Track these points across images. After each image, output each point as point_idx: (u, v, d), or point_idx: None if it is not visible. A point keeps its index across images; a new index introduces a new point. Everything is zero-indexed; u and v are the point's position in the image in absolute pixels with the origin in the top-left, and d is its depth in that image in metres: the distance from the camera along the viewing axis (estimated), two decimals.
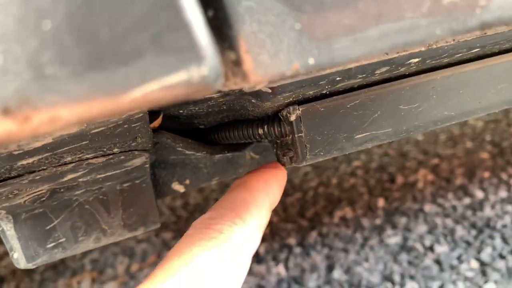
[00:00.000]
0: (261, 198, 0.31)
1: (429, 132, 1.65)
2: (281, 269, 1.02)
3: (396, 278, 0.97)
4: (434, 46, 0.19)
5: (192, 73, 0.14)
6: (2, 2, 0.13)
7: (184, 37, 0.13)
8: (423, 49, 0.21)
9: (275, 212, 1.26)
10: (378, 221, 1.18)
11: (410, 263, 1.01)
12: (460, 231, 1.10)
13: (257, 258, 1.07)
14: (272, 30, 0.17)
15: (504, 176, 1.30)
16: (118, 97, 0.14)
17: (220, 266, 0.25)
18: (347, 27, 0.17)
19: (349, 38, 0.17)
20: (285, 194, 1.35)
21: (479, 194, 1.24)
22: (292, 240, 1.13)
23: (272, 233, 1.16)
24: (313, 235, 1.14)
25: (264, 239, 1.14)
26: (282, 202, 1.30)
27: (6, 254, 1.20)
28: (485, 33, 0.18)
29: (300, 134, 0.33)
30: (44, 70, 0.12)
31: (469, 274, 0.96)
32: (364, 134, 0.34)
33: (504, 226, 1.09)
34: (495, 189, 1.25)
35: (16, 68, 0.13)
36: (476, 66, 0.35)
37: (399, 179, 1.37)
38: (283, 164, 0.36)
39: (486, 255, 1.01)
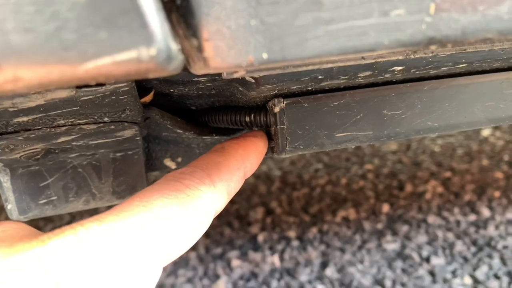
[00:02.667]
0: (236, 164, 0.32)
1: (446, 145, 1.64)
2: (276, 259, 1.04)
3: (388, 283, 0.98)
4: (385, 58, 0.20)
5: (142, 52, 0.16)
6: None
7: (136, 20, 0.15)
8: (372, 59, 0.22)
9: (279, 203, 1.28)
10: (379, 226, 1.18)
11: (404, 270, 1.02)
12: (459, 246, 1.10)
13: (254, 246, 1.09)
14: (231, 23, 0.18)
15: None
16: (73, 66, 0.15)
17: (178, 219, 0.27)
18: (298, 27, 0.18)
19: (299, 37, 0.18)
20: (292, 188, 1.37)
21: (486, 213, 1.23)
22: (291, 233, 1.14)
23: (273, 224, 1.18)
24: (313, 231, 1.16)
25: (264, 228, 1.16)
26: (288, 195, 1.32)
27: None
28: (433, 49, 0.20)
29: (282, 126, 0.34)
30: (9, 36, 0.14)
31: None
32: (344, 134, 0.36)
33: (505, 247, 1.08)
34: (503, 209, 1.24)
35: None
36: (465, 81, 0.36)
37: (408, 188, 1.37)
38: (265, 153, 0.37)
39: (481, 273, 1.01)
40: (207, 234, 1.16)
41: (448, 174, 1.45)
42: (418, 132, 0.37)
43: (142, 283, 0.24)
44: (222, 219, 1.21)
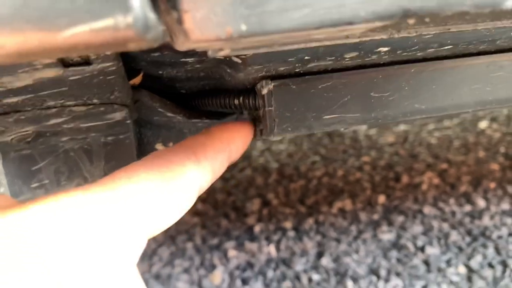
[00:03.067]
0: (221, 146, 0.33)
1: (443, 137, 1.64)
2: (272, 249, 1.05)
3: (382, 273, 0.99)
4: (369, 37, 0.21)
5: (118, 20, 0.16)
6: None
7: None
8: (356, 38, 0.22)
9: (276, 195, 1.28)
10: (375, 217, 1.19)
11: (398, 260, 1.02)
12: (454, 236, 1.10)
13: (251, 236, 1.10)
14: None
15: (510, 189, 1.29)
16: (50, 34, 0.16)
17: (163, 193, 0.27)
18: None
19: (278, 8, 0.19)
20: (289, 179, 1.37)
21: (481, 203, 1.23)
22: (287, 224, 1.15)
23: (269, 215, 1.19)
24: (309, 221, 1.16)
25: (260, 219, 1.17)
26: (284, 187, 1.33)
27: None
28: (412, 24, 0.20)
29: (270, 108, 0.35)
30: None
31: (455, 278, 0.97)
32: (332, 116, 0.36)
33: (500, 237, 1.09)
34: (498, 200, 1.25)
35: None
36: (451, 64, 0.37)
37: (404, 179, 1.38)
38: (254, 136, 0.38)
39: (475, 262, 1.01)
40: (203, 225, 1.16)
41: (444, 165, 1.46)
42: (406, 115, 0.37)
43: (126, 253, 0.25)
44: (219, 210, 1.22)
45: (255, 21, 0.19)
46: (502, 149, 1.53)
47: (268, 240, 1.08)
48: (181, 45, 0.21)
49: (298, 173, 1.43)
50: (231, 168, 1.44)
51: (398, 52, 0.33)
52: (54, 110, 0.33)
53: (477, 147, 1.57)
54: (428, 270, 1.00)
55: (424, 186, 1.34)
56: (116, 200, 0.25)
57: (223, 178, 1.38)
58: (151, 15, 0.17)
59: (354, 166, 1.47)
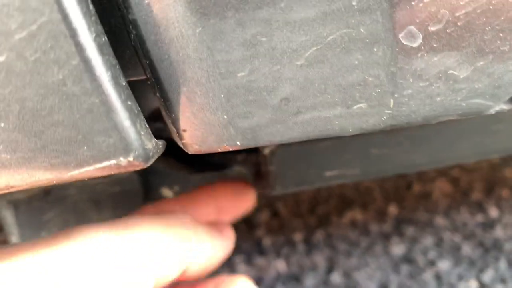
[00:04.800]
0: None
1: None
2: (281, 264, 1.06)
3: None
4: None
5: (120, 160, 0.17)
6: None
7: (112, 136, 0.17)
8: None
9: (285, 205, 1.29)
10: (386, 228, 1.19)
11: (409, 274, 1.03)
12: (466, 249, 1.10)
13: (260, 250, 1.10)
14: (204, 116, 0.20)
15: None
16: (59, 174, 0.17)
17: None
18: (268, 119, 0.19)
19: (270, 128, 0.19)
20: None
21: (494, 213, 1.22)
22: (297, 236, 1.16)
23: (279, 227, 1.19)
24: (319, 233, 1.17)
25: (270, 231, 1.18)
26: (294, 196, 1.33)
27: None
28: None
29: (271, 167, 0.35)
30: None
31: None
32: (333, 172, 0.37)
33: None
34: (511, 209, 1.24)
35: None
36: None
37: (416, 187, 1.37)
38: (256, 190, 0.38)
39: (487, 276, 1.01)
40: None
41: (456, 172, 1.45)
42: (406, 168, 0.38)
43: None
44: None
45: (249, 138, 0.20)
46: None
47: (278, 254, 1.09)
48: (183, 149, 0.22)
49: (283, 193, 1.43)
50: None
51: None
52: None
53: None
54: (439, 284, 1.00)
55: (436, 194, 1.33)
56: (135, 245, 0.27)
57: None
58: (150, 145, 0.18)
59: None
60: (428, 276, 1.01)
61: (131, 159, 0.17)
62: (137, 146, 0.17)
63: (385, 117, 0.19)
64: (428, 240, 1.14)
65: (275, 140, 0.20)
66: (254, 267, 1.06)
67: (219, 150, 0.20)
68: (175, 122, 0.19)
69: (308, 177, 0.36)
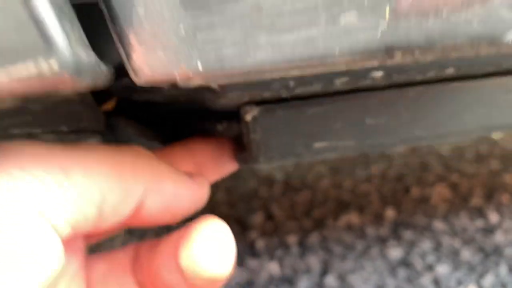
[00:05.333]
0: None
1: (455, 148, 1.59)
2: (274, 266, 1.02)
3: None
4: (338, 67, 0.18)
5: (40, 61, 0.13)
6: None
7: (27, 22, 0.13)
8: (339, 68, 0.19)
9: (280, 207, 1.25)
10: (382, 231, 1.15)
11: (406, 278, 0.98)
12: (465, 253, 1.06)
13: (252, 252, 1.06)
14: (160, 27, 0.16)
15: None
16: None
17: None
18: (236, 34, 0.16)
19: (238, 47, 0.16)
20: (294, 190, 1.34)
21: (494, 218, 1.19)
22: (291, 239, 1.12)
23: (273, 229, 1.15)
24: (314, 236, 1.13)
25: (264, 234, 1.14)
26: (289, 198, 1.29)
27: None
28: (399, 58, 0.17)
29: (254, 135, 0.32)
30: None
31: None
32: (323, 144, 0.33)
33: None
34: None
35: None
36: (454, 87, 0.33)
37: (414, 191, 1.34)
38: (238, 163, 0.35)
39: (487, 281, 0.97)
40: None
41: (456, 177, 1.42)
42: (405, 142, 0.34)
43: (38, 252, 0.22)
44: None
45: (212, 60, 0.16)
46: None
47: (271, 256, 1.05)
48: (137, 82, 0.18)
49: (304, 183, 1.40)
50: (235, 178, 1.41)
51: (394, 76, 0.30)
52: (19, 138, 0.31)
53: (490, 158, 1.52)
54: None
55: (435, 199, 1.29)
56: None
57: (227, 189, 1.36)
58: (85, 55, 0.15)
59: (362, 177, 1.43)
60: (426, 280, 0.97)
61: (53, 63, 0.13)
62: (62, 48, 0.14)
63: (379, 34, 0.15)
64: (426, 244, 1.10)
65: (244, 65, 0.16)
66: (247, 270, 1.02)
67: (176, 78, 0.17)
68: (122, 38, 0.16)
69: (294, 148, 0.33)
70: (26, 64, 0.13)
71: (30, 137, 0.31)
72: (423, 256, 1.05)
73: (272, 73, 0.18)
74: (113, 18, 0.16)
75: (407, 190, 1.35)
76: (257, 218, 1.21)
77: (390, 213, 1.23)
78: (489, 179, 1.39)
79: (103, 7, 0.16)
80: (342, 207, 1.27)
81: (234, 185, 1.38)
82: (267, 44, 0.16)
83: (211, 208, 1.27)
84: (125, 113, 0.34)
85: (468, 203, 1.27)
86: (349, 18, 0.15)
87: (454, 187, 1.35)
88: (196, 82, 0.17)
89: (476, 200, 1.28)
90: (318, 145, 0.33)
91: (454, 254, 1.06)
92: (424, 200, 1.29)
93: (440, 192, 1.33)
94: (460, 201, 1.29)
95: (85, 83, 0.15)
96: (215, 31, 0.16)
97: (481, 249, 1.08)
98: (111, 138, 0.36)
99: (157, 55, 0.16)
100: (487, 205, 1.27)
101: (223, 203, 1.29)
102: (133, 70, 0.17)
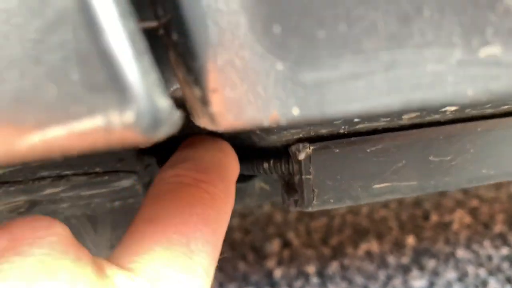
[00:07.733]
0: None
1: None
2: None
3: None
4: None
5: (111, 118, 0.10)
6: None
7: (100, 68, 0.10)
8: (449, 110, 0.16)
9: (296, 233, 1.21)
10: (404, 260, 1.11)
11: None
12: (493, 284, 1.01)
13: (271, 282, 1.02)
14: (248, 67, 0.13)
15: None
16: (8, 142, 0.10)
17: None
18: (345, 74, 0.13)
19: (347, 88, 0.13)
20: (311, 217, 1.30)
21: None
22: (310, 268, 1.07)
23: (291, 257, 1.11)
24: (334, 265, 1.09)
25: (281, 262, 1.09)
26: (306, 225, 1.25)
27: None
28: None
29: (308, 176, 0.29)
30: None
31: None
32: (384, 185, 0.30)
33: None
34: None
35: None
36: None
37: (434, 218, 1.29)
38: (287, 206, 0.31)
39: None
40: (221, 268, 1.09)
41: (475, 202, 1.37)
42: (471, 181, 0.31)
43: None
44: (236, 251, 1.15)
45: (313, 104, 0.13)
46: None
47: (290, 287, 1.01)
48: (205, 126, 0.15)
49: (320, 210, 1.36)
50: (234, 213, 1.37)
51: (467, 110, 0.27)
52: (49, 180, 0.28)
53: (509, 183, 1.48)
54: None
55: (455, 226, 1.25)
56: None
57: (241, 214, 1.32)
58: (163, 103, 0.12)
59: (379, 203, 1.39)
60: None
61: (130, 116, 0.10)
62: (139, 95, 0.11)
63: None
64: (451, 274, 1.05)
65: (350, 110, 0.13)
66: None
67: (265, 124, 0.14)
68: (200, 78, 0.13)
69: (352, 190, 0.30)
70: (93, 120, 0.10)
71: (60, 178, 0.28)
72: (448, 286, 1.01)
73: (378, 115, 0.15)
74: (189, 56, 0.13)
75: (426, 216, 1.31)
76: (274, 245, 1.17)
77: (410, 240, 1.19)
78: (509, 204, 1.35)
79: (175, 37, 0.13)
80: (360, 234, 1.22)
81: (248, 210, 1.34)
82: (384, 84, 0.13)
83: (226, 234, 1.23)
84: (158, 151, 0.31)
85: (490, 229, 1.23)
86: (491, 52, 0.12)
87: (474, 212, 1.31)
88: (284, 126, 0.14)
89: (499, 227, 1.24)
90: (378, 186, 0.30)
91: (482, 285, 1.01)
92: (444, 227, 1.25)
93: (460, 218, 1.29)
94: (482, 228, 1.24)
95: (159, 135, 0.12)
96: (320, 72, 0.13)
97: (508, 280, 1.03)
98: (146, 179, 0.33)
99: (247, 100, 0.13)
100: (511, 231, 1.23)
101: (237, 228, 1.25)
102: (209, 114, 0.14)
